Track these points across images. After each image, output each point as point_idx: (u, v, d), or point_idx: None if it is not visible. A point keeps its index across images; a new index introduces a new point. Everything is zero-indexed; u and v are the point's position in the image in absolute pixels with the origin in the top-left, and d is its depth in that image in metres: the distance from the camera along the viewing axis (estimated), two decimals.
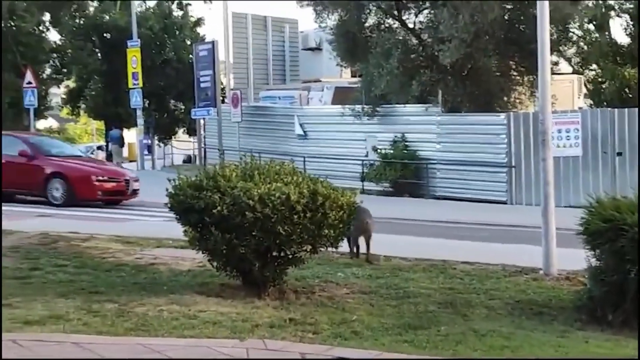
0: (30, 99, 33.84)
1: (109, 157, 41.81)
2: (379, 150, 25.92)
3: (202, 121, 34.58)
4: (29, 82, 33.84)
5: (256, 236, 9.22)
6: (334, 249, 10.18)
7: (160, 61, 43.52)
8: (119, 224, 16.68)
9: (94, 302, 9.00)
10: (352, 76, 36.38)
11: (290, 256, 9.73)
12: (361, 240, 12.53)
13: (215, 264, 9.93)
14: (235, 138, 30.78)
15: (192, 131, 45.97)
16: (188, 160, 44.79)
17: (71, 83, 47.33)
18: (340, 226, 9.60)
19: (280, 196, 9.19)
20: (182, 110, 46.35)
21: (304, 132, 29.19)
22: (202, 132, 34.04)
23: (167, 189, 9.87)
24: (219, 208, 9.15)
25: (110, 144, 42.90)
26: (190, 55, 42.87)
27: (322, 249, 9.85)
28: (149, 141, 42.81)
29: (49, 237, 13.61)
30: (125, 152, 47.65)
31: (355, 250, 12.57)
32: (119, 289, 9.89)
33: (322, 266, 11.63)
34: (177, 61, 44.02)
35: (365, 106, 26.14)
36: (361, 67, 27.05)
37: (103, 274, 10.86)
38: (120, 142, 41.99)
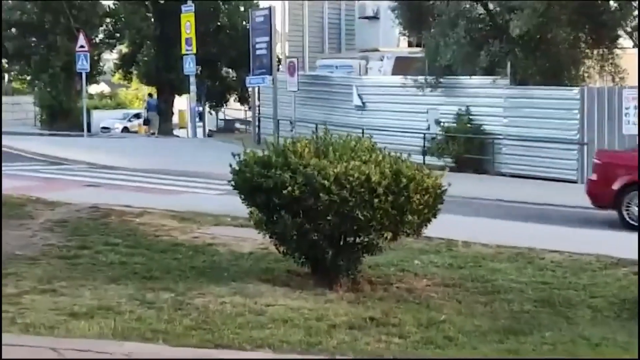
0: (83, 64, 33.33)
1: (146, 123, 41.22)
2: (441, 124, 24.78)
3: (256, 90, 33.59)
4: (82, 46, 33.39)
5: (331, 221, 8.28)
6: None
7: (214, 27, 42.51)
8: (173, 197, 15.82)
9: (148, 289, 8.11)
10: (409, 46, 35.18)
11: (366, 243, 8.63)
12: None
13: (282, 249, 8.91)
14: (291, 108, 29.89)
15: (243, 99, 45.14)
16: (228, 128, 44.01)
17: (124, 48, 46.51)
18: (425, 212, 8.48)
19: (359, 176, 8.18)
20: (234, 78, 45.32)
21: (363, 103, 28.12)
22: (256, 101, 33.04)
23: (230, 165, 8.87)
24: (289, 188, 8.23)
25: (147, 112, 42.19)
26: (244, 22, 41.96)
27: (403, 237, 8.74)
28: (200, 108, 42.03)
29: (99, 211, 12.82)
30: (175, 118, 47.03)
31: None
32: (175, 273, 8.99)
33: (395, 252, 10.48)
34: (231, 27, 43.00)
35: (428, 77, 24.96)
36: (425, 36, 25.79)
37: (157, 255, 9.96)
38: (158, 109, 41.39)
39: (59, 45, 39.82)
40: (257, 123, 32.89)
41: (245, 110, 42.64)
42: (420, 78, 25.13)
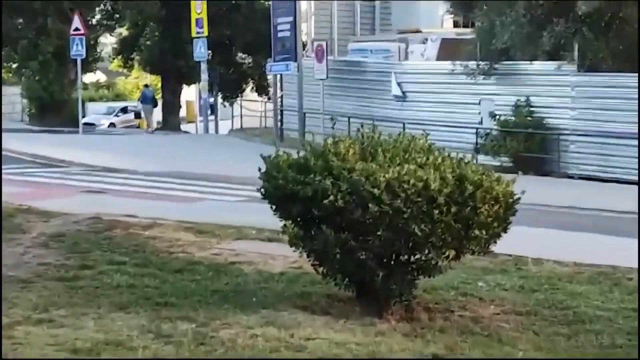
0: (78, 49, 33.28)
1: (137, 117, 41.11)
2: (497, 117, 24.40)
3: (278, 78, 33.35)
4: (77, 29, 33.32)
5: (381, 237, 8.01)
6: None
7: (228, 7, 42.33)
8: (187, 205, 15.69)
9: (164, 319, 7.86)
10: (455, 26, 34.81)
11: (423, 263, 8.31)
12: None
13: (322, 269, 8.63)
14: (318, 99, 29.65)
15: (261, 89, 44.99)
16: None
17: (124, 31, 46.48)
18: (494, 225, 8.15)
19: (415, 183, 7.91)
20: (251, 65, 45.27)
21: (403, 92, 27.85)
22: (278, 91, 32.81)
23: (260, 170, 8.65)
24: (331, 198, 7.96)
25: (141, 104, 42.10)
26: (262, 0, 41.79)
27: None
28: (212, 100, 41.93)
29: (102, 222, 12.59)
30: (182, 112, 46.95)
31: None
32: (194, 299, 8.74)
33: (454, 271, 10.12)
34: (247, 6, 42.84)
35: (481, 62, 24.65)
36: (476, 15, 25.46)
37: (172, 276, 9.74)
38: (153, 102, 41.43)
39: (50, 28, 39.65)
40: (279, 117, 32.58)
41: (265, 102, 42.45)
42: (472, 64, 24.87)
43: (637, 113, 21.78)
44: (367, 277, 8.32)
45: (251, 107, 42.95)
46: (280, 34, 31.12)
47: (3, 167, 20.91)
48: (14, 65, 43.27)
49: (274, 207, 8.62)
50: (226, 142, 31.94)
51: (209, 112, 40.73)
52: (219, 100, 44.66)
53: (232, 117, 45.02)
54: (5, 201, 13.91)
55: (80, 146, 27.34)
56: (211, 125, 39.75)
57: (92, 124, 50.32)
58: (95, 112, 52.50)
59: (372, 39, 33.69)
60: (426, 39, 30.07)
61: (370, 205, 7.82)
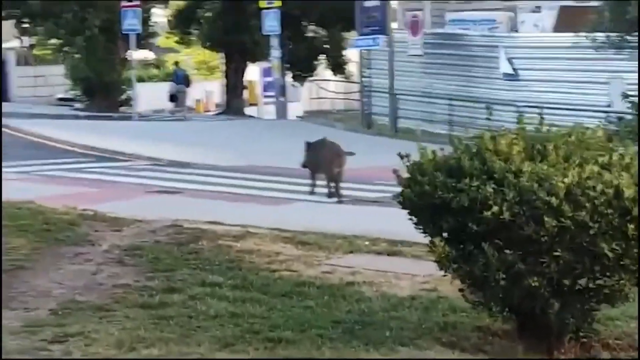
0: (132, 22, 33.02)
1: (173, 100, 40.71)
2: (631, 99, 23.39)
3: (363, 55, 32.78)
4: (130, 0, 33.09)
5: (560, 258, 7.12)
6: None
7: None
8: (279, 209, 15.28)
9: None
10: None
11: (609, 290, 7.48)
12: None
13: (474, 297, 7.83)
14: (412, 78, 29.57)
15: (337, 67, 44.48)
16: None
17: (180, 2, 46.15)
18: None
19: (604, 190, 7.01)
20: (325, 39, 44.60)
21: (514, 70, 27.36)
22: (365, 69, 32.21)
23: (394, 171, 8.08)
24: (495, 209, 7.22)
25: (174, 86, 41.72)
26: None
27: None
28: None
29: (184, 232, 12.06)
30: (245, 93, 46.54)
31: (313, 185, 16.44)
32: (312, 332, 8.08)
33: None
34: None
35: (610, 34, 23.73)
36: None
37: (279, 302, 9.10)
38: (186, 82, 41.29)
39: None
40: (365, 100, 32.13)
41: (339, 81, 41.84)
42: (599, 36, 24.04)
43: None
44: (537, 308, 7.50)
45: (325, 87, 42.50)
46: (366, 3, 30.80)
47: (52, 161, 20.71)
48: (57, 42, 43.04)
49: (416, 219, 7.87)
50: (303, 128, 31.28)
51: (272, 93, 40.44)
52: (289, 79, 44.14)
53: (300, 99, 44.58)
54: (64, 205, 13.50)
55: (136, 135, 27.26)
56: (274, 108, 39.24)
57: (71, 99, 50.27)
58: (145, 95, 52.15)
59: (475, 7, 33.03)
60: (538, 7, 29.69)
61: (546, 218, 7.04)
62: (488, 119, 8.04)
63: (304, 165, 16.61)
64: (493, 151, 7.55)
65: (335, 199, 16.11)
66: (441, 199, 7.43)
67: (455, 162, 7.54)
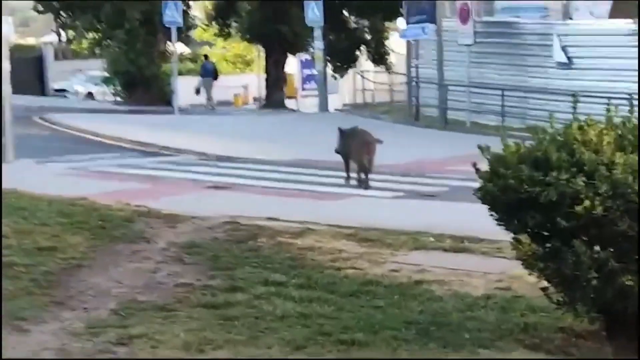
0: (173, 15, 32.83)
1: (198, 92, 40.71)
2: None
3: (412, 45, 32.46)
4: None
5: None
6: None
7: None
8: (335, 204, 15.02)
9: None
10: None
11: None
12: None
13: (560, 297, 7.56)
14: (461, 68, 29.17)
15: (379, 58, 44.32)
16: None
17: None
18: None
19: None
20: (366, 29, 44.49)
21: (568, 58, 27.09)
22: (414, 59, 31.89)
23: (474, 165, 7.75)
24: (586, 203, 6.93)
25: (201, 79, 41.83)
26: None
27: None
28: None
29: (241, 228, 11.85)
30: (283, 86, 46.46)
31: (347, 174, 16.74)
32: (385, 334, 7.79)
33: None
34: None
35: None
36: None
37: (348, 302, 8.85)
38: (214, 75, 41.71)
39: None
40: (413, 92, 31.87)
41: (381, 72, 41.56)
42: None
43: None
44: (629, 308, 7.18)
45: (368, 78, 42.21)
46: None
47: (99, 156, 20.61)
48: (96, 36, 42.98)
49: (498, 214, 7.54)
50: (349, 121, 30.84)
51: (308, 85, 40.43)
52: (329, 71, 43.89)
53: (355, 91, 44.27)
54: (118, 201, 13.37)
55: (181, 129, 27.14)
56: (314, 100, 38.98)
57: (64, 90, 50.11)
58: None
59: None
60: None
61: None
62: (574, 110, 7.66)
63: (337, 152, 16.86)
64: (581, 142, 7.24)
65: (369, 191, 16.13)
66: (527, 193, 7.13)
67: (542, 154, 7.23)
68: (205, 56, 44.83)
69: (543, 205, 7.07)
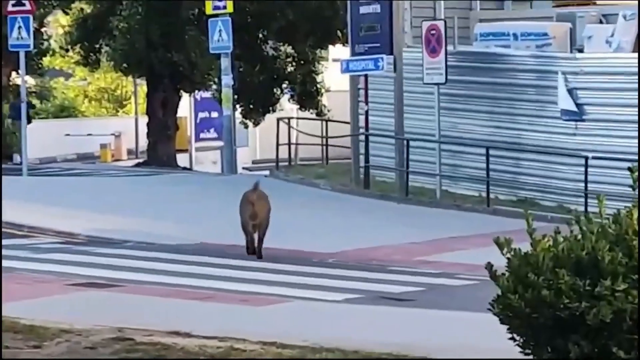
0: (21, 34, 32.96)
1: None
2: None
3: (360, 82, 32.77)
4: (19, 3, 33.39)
5: None
6: None
7: None
8: (260, 310, 15.17)
9: None
10: None
11: None
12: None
13: None
14: (430, 116, 29.64)
15: (308, 99, 45.06)
16: None
17: (86, 6, 46.64)
18: None
19: None
20: (292, 60, 45.58)
21: (577, 105, 27.31)
22: (361, 103, 32.12)
23: (488, 267, 7.99)
24: None
25: (8, 119, 42.64)
26: None
27: None
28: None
29: (137, 348, 11.76)
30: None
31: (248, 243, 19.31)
32: None
33: None
34: None
35: None
36: None
37: None
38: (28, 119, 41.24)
39: None
40: (359, 150, 32.11)
41: (322, 120, 42.15)
42: None
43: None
44: None
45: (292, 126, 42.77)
46: (363, 10, 30.89)
47: None
48: None
49: (521, 339, 7.60)
50: (272, 188, 31.22)
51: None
52: (237, 115, 44.55)
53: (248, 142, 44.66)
54: None
55: (33, 197, 27.42)
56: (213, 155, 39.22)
57: None
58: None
59: (514, 16, 33.38)
60: (604, 16, 29.88)
61: None
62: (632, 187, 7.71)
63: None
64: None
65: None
66: (568, 310, 7.26)
67: (588, 254, 7.28)
68: (18, 93, 45.09)
69: (592, 328, 7.19)
